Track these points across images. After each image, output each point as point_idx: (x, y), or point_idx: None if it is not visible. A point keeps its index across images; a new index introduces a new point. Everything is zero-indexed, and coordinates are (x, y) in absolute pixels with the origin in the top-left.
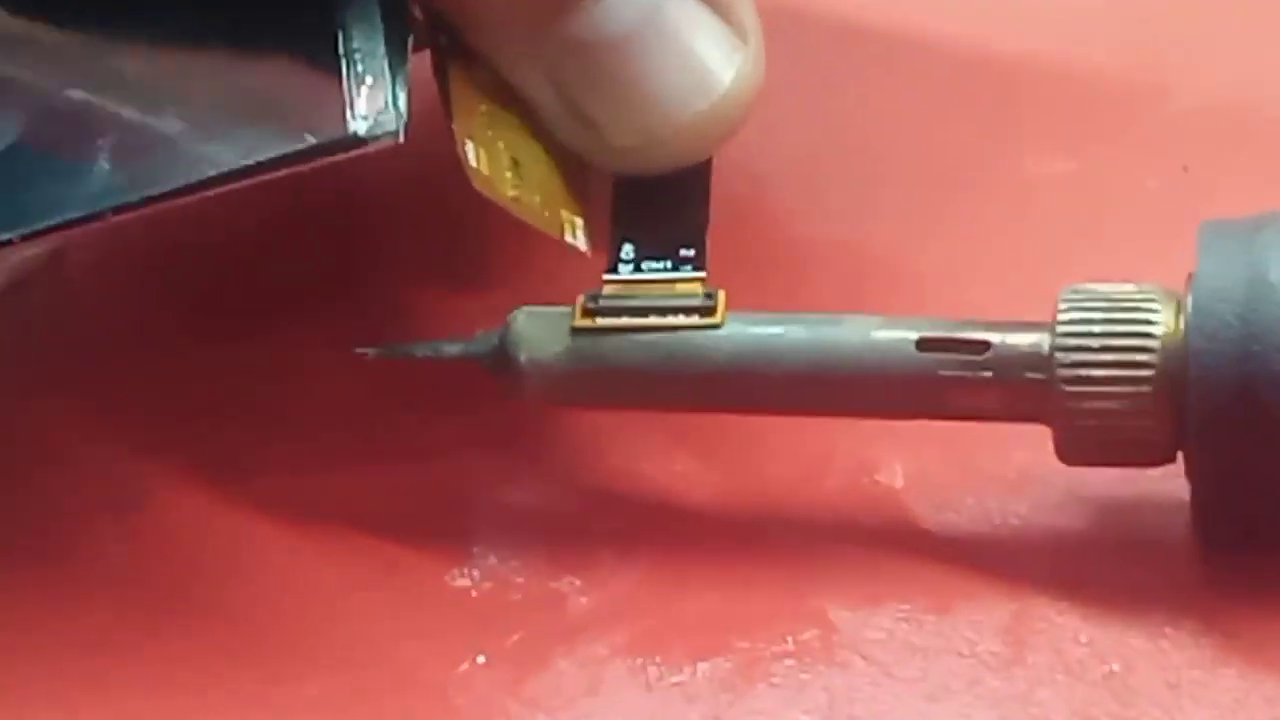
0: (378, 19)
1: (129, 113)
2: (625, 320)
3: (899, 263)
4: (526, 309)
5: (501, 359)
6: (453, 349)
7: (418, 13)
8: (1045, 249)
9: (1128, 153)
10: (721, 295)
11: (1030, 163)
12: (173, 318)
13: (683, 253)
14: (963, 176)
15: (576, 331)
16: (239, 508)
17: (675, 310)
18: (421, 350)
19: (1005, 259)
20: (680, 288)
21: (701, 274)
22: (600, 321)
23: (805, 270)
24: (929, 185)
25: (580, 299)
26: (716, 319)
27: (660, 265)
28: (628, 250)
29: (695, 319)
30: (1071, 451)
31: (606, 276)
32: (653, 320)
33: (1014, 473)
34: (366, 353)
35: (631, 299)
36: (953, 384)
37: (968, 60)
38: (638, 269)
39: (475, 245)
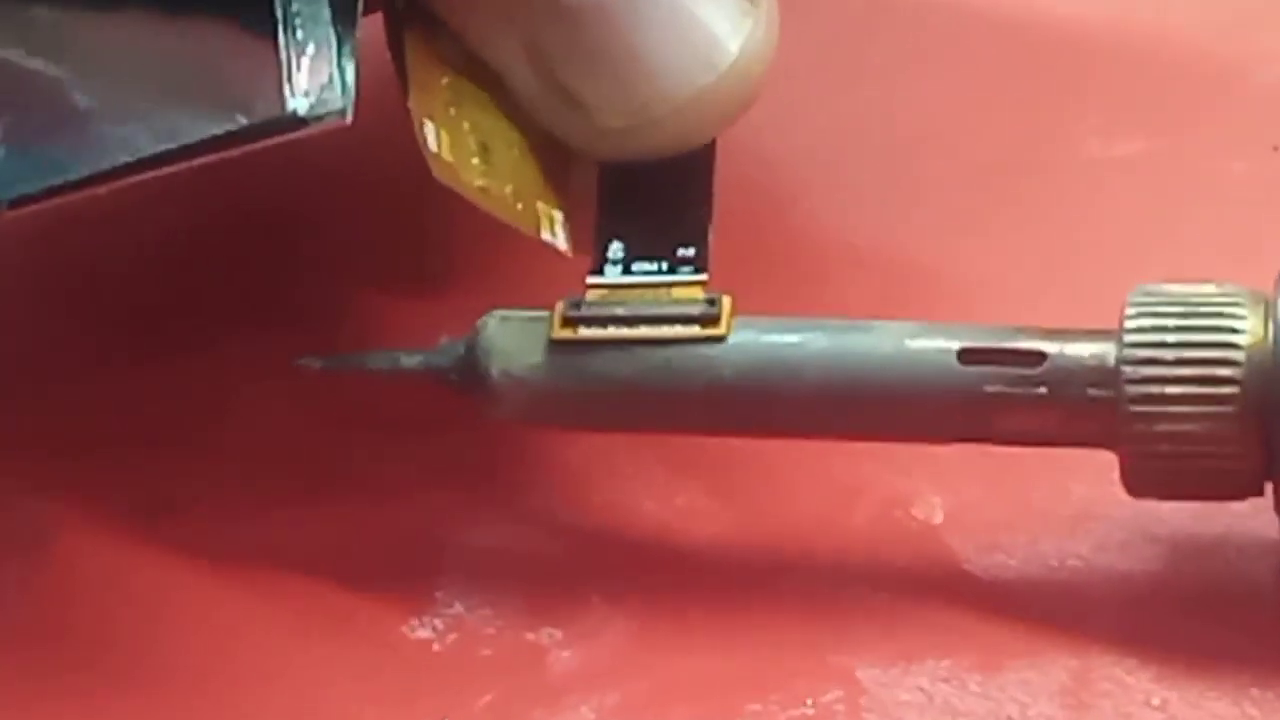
0: None
1: (30, 85)
2: (612, 331)
3: (938, 263)
4: (499, 313)
5: (470, 372)
6: (412, 361)
7: None
8: (1111, 244)
9: (1208, 131)
10: (726, 302)
11: (1094, 145)
12: (82, 333)
13: (681, 252)
14: (1014, 162)
15: (556, 344)
16: (162, 551)
17: (671, 319)
18: (376, 362)
19: (1063, 256)
20: (677, 293)
21: (703, 277)
22: (583, 333)
23: (827, 273)
24: (974, 173)
25: (559, 306)
26: (720, 330)
27: (654, 267)
28: (616, 249)
29: (695, 330)
30: (1141, 482)
31: (591, 279)
32: (644, 331)
33: (1073, 507)
34: (311, 365)
35: (619, 306)
36: (1001, 403)
37: (1019, 26)
38: (627, 271)
39: (438, 239)
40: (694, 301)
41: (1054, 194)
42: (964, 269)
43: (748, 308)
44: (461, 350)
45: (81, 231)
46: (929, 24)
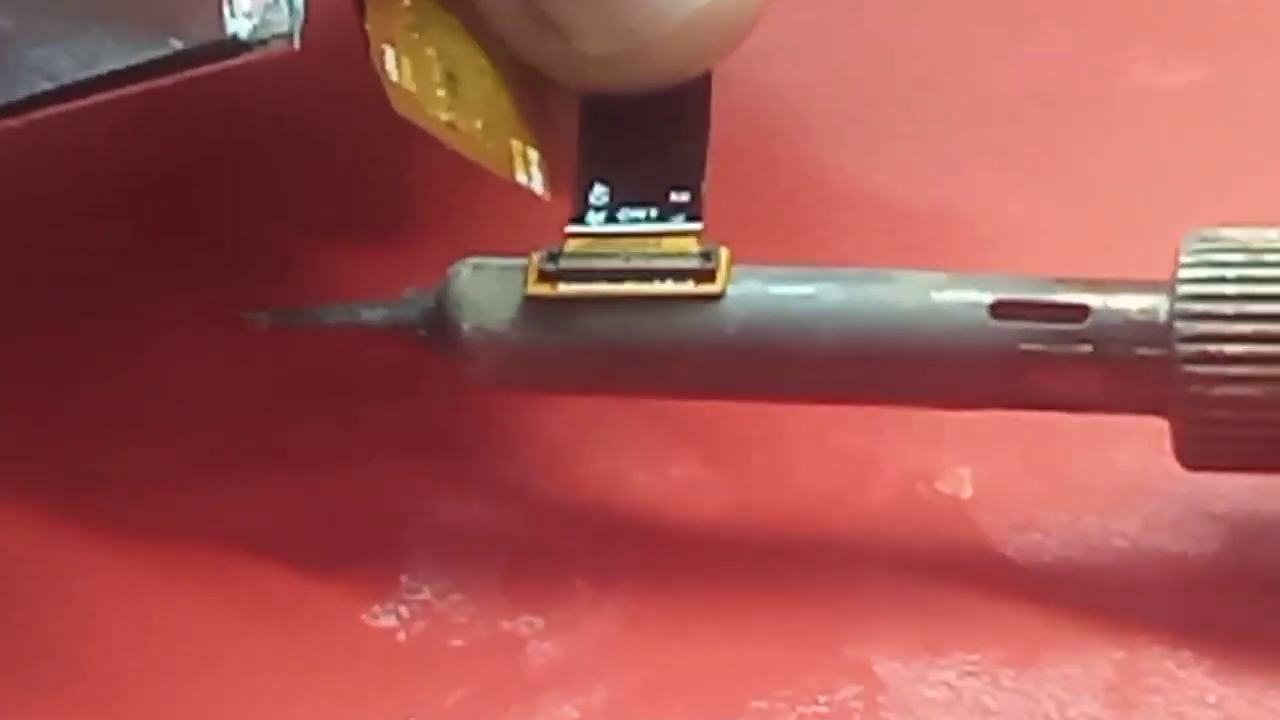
0: None
1: None
2: (594, 287)
3: (966, 207)
4: (472, 260)
5: (439, 327)
6: (374, 314)
7: None
8: (1161, 185)
9: (1270, 60)
10: (724, 254)
11: (1142, 73)
12: None
13: (673, 197)
14: (1051, 93)
15: (532, 301)
16: (84, 528)
17: (661, 274)
18: (333, 316)
19: (1108, 199)
20: (668, 244)
21: (697, 226)
22: (562, 289)
23: (840, 219)
24: (1005, 104)
25: (534, 258)
26: (716, 286)
27: (643, 214)
28: (599, 194)
29: (688, 286)
30: (1195, 452)
31: (571, 228)
32: (630, 288)
33: (1119, 481)
34: (259, 321)
35: (602, 258)
36: (1039, 362)
37: None
38: (612, 218)
39: (401, 178)
40: (687, 254)
41: (1097, 129)
42: (995, 213)
43: (750, 257)
44: (430, 303)
45: None
46: None
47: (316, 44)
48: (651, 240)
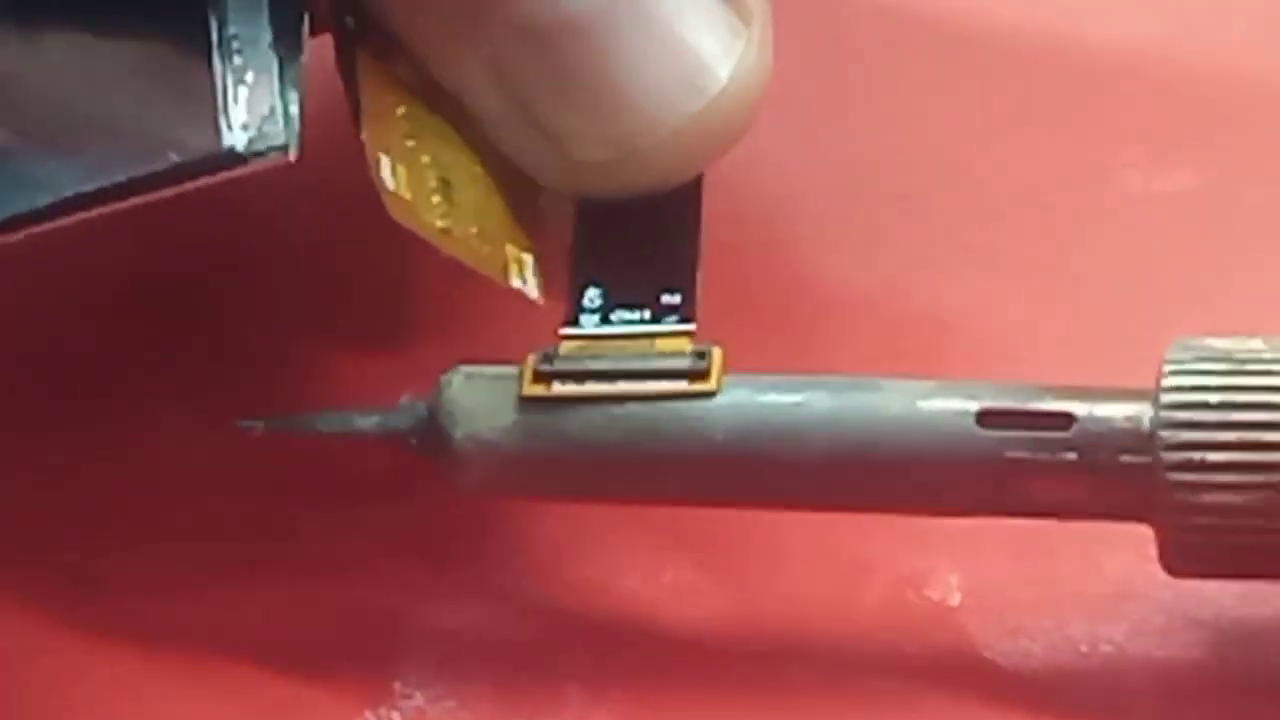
0: None
1: None
2: (589, 387)
3: (955, 312)
4: (464, 369)
5: (432, 435)
6: (368, 422)
7: None
8: (1150, 292)
9: (1261, 166)
10: (717, 354)
11: (1133, 179)
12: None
13: (665, 299)
14: (1041, 198)
15: (527, 402)
16: (83, 632)
17: (655, 374)
18: (327, 424)
19: (1096, 305)
20: (661, 344)
21: (690, 327)
22: (556, 389)
23: (830, 323)
24: (995, 210)
25: (530, 359)
26: (710, 384)
27: (636, 316)
28: (593, 296)
29: (681, 385)
30: (1181, 559)
31: (565, 330)
32: (625, 387)
33: (1105, 587)
34: (253, 428)
35: (597, 360)
36: (1025, 470)
37: (1050, 47)
38: (605, 320)
39: (395, 286)
40: (680, 354)
41: (1087, 235)
42: (984, 319)
43: (741, 363)
44: (422, 411)
45: None
46: (945, 43)
47: (313, 148)
48: (645, 341)
